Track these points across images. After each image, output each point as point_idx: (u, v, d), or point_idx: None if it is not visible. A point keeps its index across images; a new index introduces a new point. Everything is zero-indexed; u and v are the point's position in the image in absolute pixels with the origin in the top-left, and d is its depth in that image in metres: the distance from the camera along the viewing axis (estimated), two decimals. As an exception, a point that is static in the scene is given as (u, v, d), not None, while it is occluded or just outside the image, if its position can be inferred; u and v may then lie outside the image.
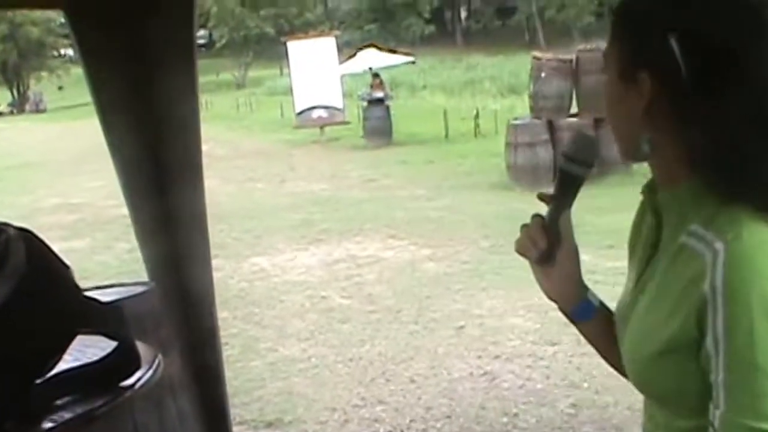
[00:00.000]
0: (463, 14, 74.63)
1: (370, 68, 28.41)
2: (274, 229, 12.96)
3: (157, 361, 2.15)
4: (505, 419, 5.57)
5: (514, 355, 6.74)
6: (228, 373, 4.67)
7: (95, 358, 2.07)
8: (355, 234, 12.07)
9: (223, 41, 60.45)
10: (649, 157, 1.38)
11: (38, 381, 1.92)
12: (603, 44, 1.40)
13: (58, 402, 1.95)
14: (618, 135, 1.41)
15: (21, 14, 51.08)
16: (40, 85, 65.06)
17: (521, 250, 1.56)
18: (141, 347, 2.10)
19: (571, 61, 15.41)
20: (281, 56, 36.03)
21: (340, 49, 27.44)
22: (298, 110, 26.26)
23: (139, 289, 3.80)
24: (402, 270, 9.85)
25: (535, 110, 15.42)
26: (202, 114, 4.51)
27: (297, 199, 15.83)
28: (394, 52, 38.81)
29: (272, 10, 59.96)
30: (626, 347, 1.44)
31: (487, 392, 6.05)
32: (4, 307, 1.76)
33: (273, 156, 23.30)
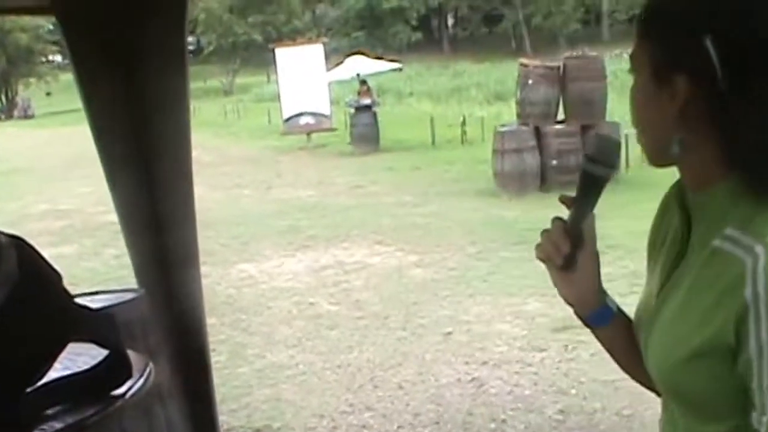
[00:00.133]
0: (450, 21, 74.83)
1: (358, 75, 28.46)
2: (261, 235, 12.95)
3: (148, 370, 2.14)
4: (493, 425, 5.58)
5: (501, 361, 6.76)
6: (215, 380, 4.67)
7: (86, 367, 2.05)
8: (342, 240, 12.08)
9: (211, 48, 60.45)
10: (680, 159, 1.35)
11: (28, 390, 1.90)
12: (589, 51, 1.39)
13: (49, 411, 1.93)
14: (647, 137, 1.39)
15: (10, 20, 50.91)
16: (29, 91, 64.88)
17: (544, 255, 1.51)
18: (132, 355, 2.09)
19: (558, 68, 15.44)
20: (269, 63, 36.08)
21: (327, 56, 27.49)
22: (285, 117, 26.28)
23: (128, 295, 3.80)
24: (389, 276, 9.86)
25: (522, 117, 15.44)
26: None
27: (284, 205, 15.81)
28: (381, 59, 38.96)
29: (260, 17, 59.99)
30: (652, 351, 1.41)
31: (474, 398, 6.06)
32: (-4, 315, 1.75)
33: (260, 162, 23.28)
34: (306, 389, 6.51)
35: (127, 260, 4.20)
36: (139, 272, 4.04)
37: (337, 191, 17.20)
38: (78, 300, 2.07)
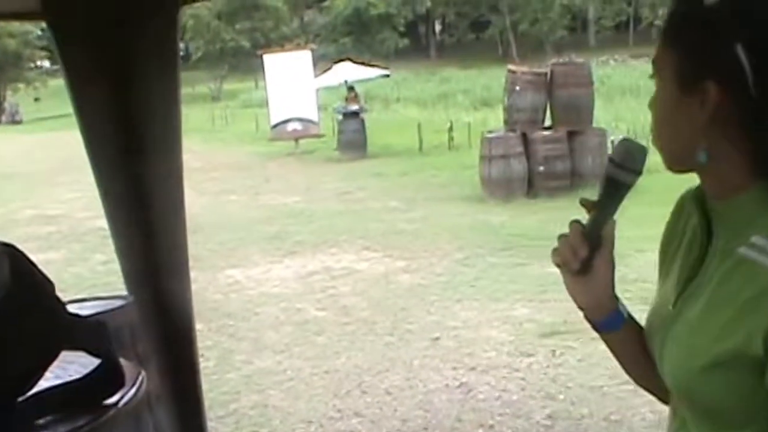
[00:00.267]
0: (438, 28, 74.94)
1: (346, 81, 28.46)
2: (248, 241, 12.94)
3: (140, 378, 2.14)
4: (481, 431, 5.60)
5: (489, 366, 6.77)
6: (203, 386, 4.67)
7: (77, 376, 2.04)
8: (329, 246, 12.08)
9: (199, 54, 60.25)
10: (703, 166, 1.33)
11: (20, 399, 1.89)
12: (576, 57, 1.37)
13: (40, 421, 1.92)
14: (670, 143, 1.37)
15: (-2, 26, 50.82)
16: (17, 97, 64.61)
17: (561, 260, 1.47)
18: (124, 364, 2.08)
19: (545, 74, 15.49)
20: (256, 69, 36.02)
21: (315, 62, 27.47)
22: (273, 123, 26.25)
23: (118, 302, 3.80)
24: (377, 282, 9.87)
25: (509, 123, 15.47)
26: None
27: (272, 211, 15.80)
28: (368, 65, 38.94)
29: (248, 24, 59.89)
30: (669, 358, 1.39)
31: (462, 404, 6.07)
32: (-12, 324, 1.74)
33: (248, 168, 23.25)
34: (294, 395, 6.52)
35: (114, 266, 4.20)
36: (129, 278, 4.03)
37: (324, 197, 17.20)
38: (67, 307, 2.07)
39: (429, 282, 9.63)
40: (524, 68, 16.55)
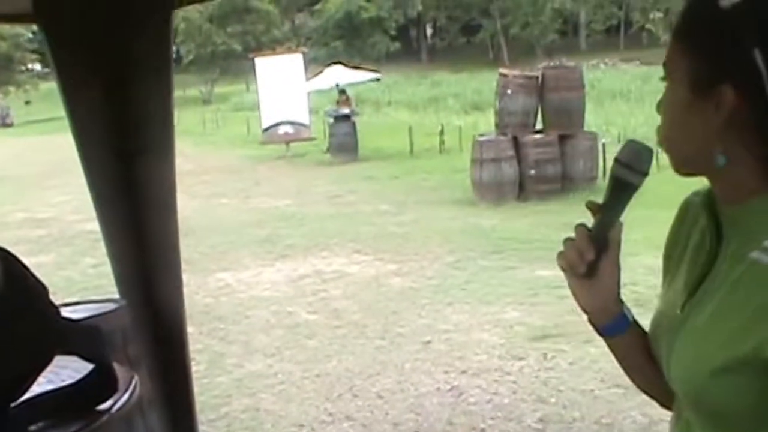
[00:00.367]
0: (429, 32, 75.03)
1: (337, 85, 28.47)
2: (239, 244, 12.94)
3: (133, 383, 2.13)
4: (472, 434, 5.61)
5: (480, 370, 6.78)
6: (194, 389, 4.67)
7: (70, 381, 2.03)
8: (320, 249, 12.08)
9: (191, 57, 60.20)
10: (716, 170, 1.31)
11: (13, 404, 1.87)
12: (567, 61, 1.36)
13: (33, 427, 1.90)
14: (681, 146, 1.36)
15: (-12, 29, 50.72)
16: (8, 100, 64.46)
17: (567, 264, 1.45)
18: (117, 368, 2.06)
19: (536, 77, 15.53)
20: (247, 72, 36.05)
21: (306, 65, 27.49)
22: (264, 126, 26.27)
23: (110, 306, 3.80)
24: (368, 285, 9.87)
25: (500, 126, 15.50)
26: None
27: (263, 214, 15.80)
28: (360, 68, 38.99)
29: (239, 27, 59.92)
30: (678, 362, 1.37)
31: (454, 407, 6.07)
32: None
33: (239, 171, 23.24)
34: (285, 398, 6.51)
35: (104, 269, 4.20)
36: (121, 281, 4.03)
37: (315, 200, 17.20)
38: (60, 311, 2.06)
39: (420, 285, 9.63)
40: (515, 72, 16.56)
